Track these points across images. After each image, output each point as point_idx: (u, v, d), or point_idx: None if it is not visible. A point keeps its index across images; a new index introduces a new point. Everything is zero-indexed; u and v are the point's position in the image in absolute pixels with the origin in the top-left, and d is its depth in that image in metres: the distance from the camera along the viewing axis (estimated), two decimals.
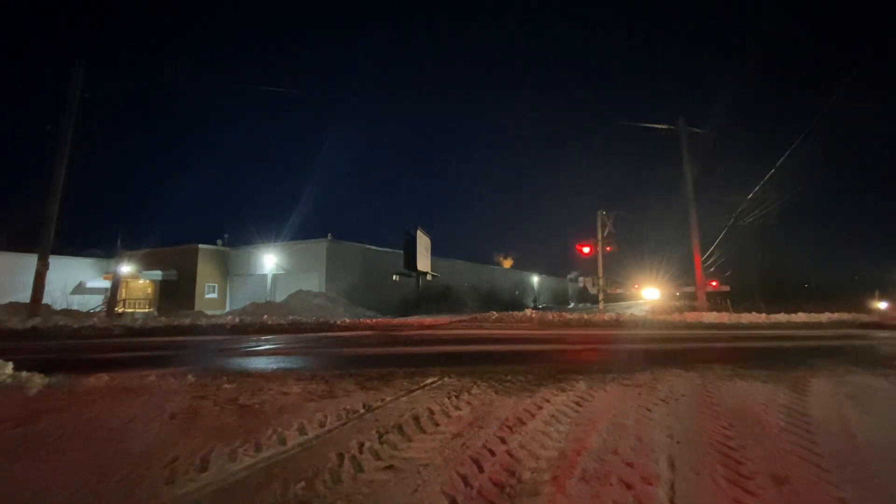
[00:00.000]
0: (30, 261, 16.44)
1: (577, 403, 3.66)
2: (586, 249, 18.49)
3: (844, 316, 14.39)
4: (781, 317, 14.37)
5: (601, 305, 19.21)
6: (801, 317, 14.40)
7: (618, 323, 13.96)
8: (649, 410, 3.48)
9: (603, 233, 18.34)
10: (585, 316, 16.12)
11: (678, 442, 2.81)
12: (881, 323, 12.19)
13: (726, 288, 18.05)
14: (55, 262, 16.73)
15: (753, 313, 15.16)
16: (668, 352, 7.62)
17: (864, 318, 13.80)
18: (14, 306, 16.65)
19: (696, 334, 10.72)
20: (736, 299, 18.78)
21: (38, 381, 4.23)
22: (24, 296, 16.35)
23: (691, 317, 15.17)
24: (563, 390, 4.08)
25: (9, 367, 4.56)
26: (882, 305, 12.80)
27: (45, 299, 16.46)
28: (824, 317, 14.35)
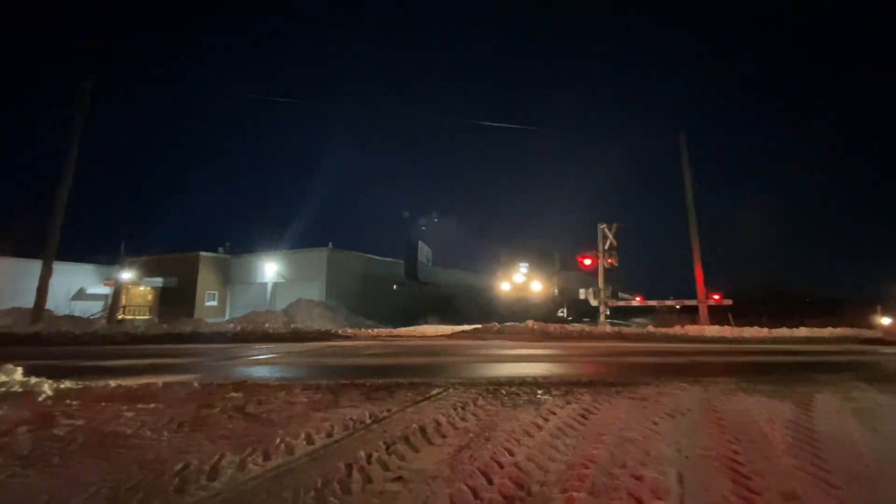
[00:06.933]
0: (32, 266, 16.54)
1: (583, 416, 3.66)
2: (588, 262, 18.45)
3: (847, 331, 14.29)
4: (784, 331, 14.30)
5: (602, 318, 19.13)
6: (803, 331, 14.33)
7: (620, 335, 13.92)
8: (656, 424, 3.48)
9: (604, 245, 18.35)
10: (587, 329, 16.08)
11: (686, 456, 2.81)
12: (885, 339, 12.11)
13: (729, 302, 17.98)
14: (58, 267, 16.80)
15: (755, 327, 15.10)
16: (671, 365, 7.60)
17: (867, 333, 13.72)
18: (17, 311, 16.72)
19: (699, 348, 10.69)
20: (737, 313, 18.71)
21: (46, 387, 4.24)
22: (27, 301, 16.40)
23: (693, 330, 15.12)
24: (568, 403, 4.08)
25: (18, 373, 4.59)
26: (885, 321, 12.71)
27: (48, 305, 16.51)
28: (826, 332, 14.27)
